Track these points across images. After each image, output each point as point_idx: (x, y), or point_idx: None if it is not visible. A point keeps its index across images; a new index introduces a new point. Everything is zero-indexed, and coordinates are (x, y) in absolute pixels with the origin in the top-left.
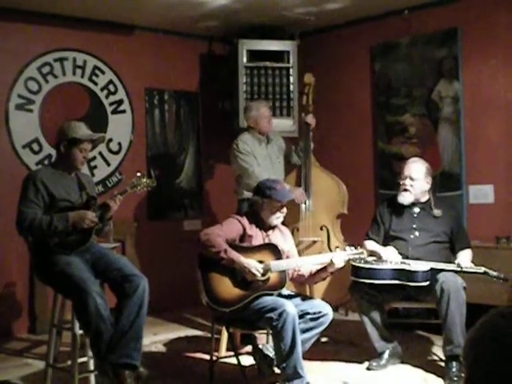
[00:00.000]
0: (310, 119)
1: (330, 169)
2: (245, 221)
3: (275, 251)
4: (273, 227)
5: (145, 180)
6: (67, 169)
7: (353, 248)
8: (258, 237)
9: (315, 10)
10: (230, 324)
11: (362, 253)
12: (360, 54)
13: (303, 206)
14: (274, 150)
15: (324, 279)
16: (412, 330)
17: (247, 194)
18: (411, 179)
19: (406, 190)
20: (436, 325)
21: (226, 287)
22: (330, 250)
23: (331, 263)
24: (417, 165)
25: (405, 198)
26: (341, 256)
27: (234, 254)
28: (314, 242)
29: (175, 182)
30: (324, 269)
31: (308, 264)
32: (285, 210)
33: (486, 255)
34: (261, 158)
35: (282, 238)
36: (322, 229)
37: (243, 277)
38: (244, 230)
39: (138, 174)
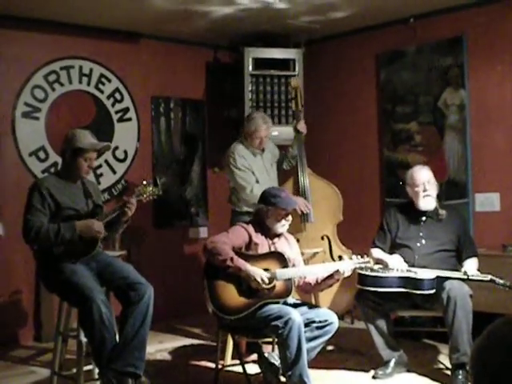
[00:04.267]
0: (302, 127)
1: (335, 176)
2: (250, 229)
3: (281, 259)
4: (278, 235)
5: (150, 188)
6: (72, 177)
7: (359, 257)
8: (263, 245)
9: (321, 19)
10: (235, 332)
11: (368, 262)
12: (366, 62)
13: (304, 216)
14: (267, 159)
15: (330, 286)
16: (418, 339)
17: (245, 208)
18: (428, 183)
19: (428, 195)
20: (442, 333)
21: (232, 295)
22: (333, 260)
23: (338, 272)
24: (427, 170)
25: (429, 204)
26: (348, 265)
27: (241, 262)
28: (316, 253)
29: (181, 189)
30: (330, 276)
31: (315, 273)
32: (290, 217)
33: (492, 263)
34: (258, 171)
35: (287, 245)
36: (323, 238)
37: (249, 285)
38: (250, 237)
39: (144, 183)
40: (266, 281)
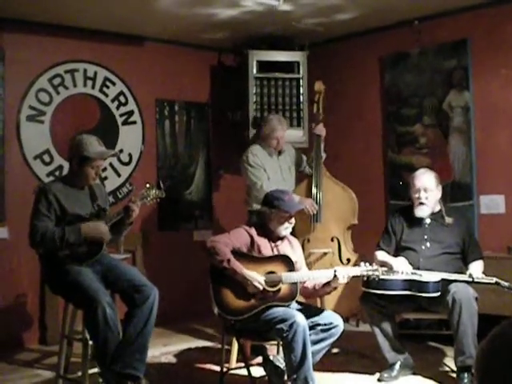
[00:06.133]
0: (320, 130)
1: (340, 179)
2: (253, 231)
3: (288, 263)
4: (281, 238)
5: (154, 191)
6: (79, 184)
7: (367, 264)
8: (266, 247)
9: (325, 21)
10: (240, 335)
11: (376, 270)
12: (370, 65)
13: (314, 217)
14: (285, 161)
15: (329, 293)
16: (423, 341)
17: (257, 206)
18: (425, 191)
19: (422, 203)
20: (447, 336)
21: (237, 297)
22: (342, 262)
23: (335, 278)
24: (427, 175)
25: (423, 212)
26: (343, 271)
27: (237, 265)
28: (325, 253)
29: (185, 192)
30: (328, 283)
31: (319, 277)
32: (293, 220)
33: (497, 266)
34: (271, 171)
35: (290, 248)
36: (332, 240)
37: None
38: (252, 240)
39: (147, 186)
40: (262, 286)
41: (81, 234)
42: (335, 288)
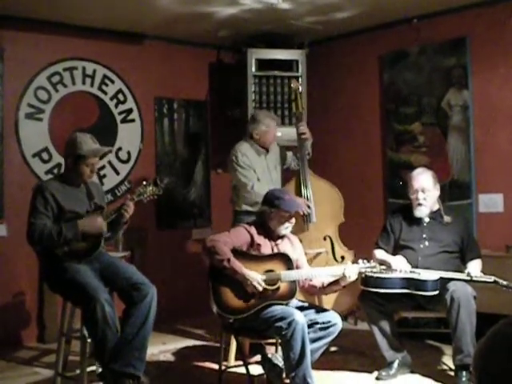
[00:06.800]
0: (302, 129)
1: (337, 177)
2: (253, 230)
3: (287, 261)
4: (281, 236)
5: (151, 188)
6: (75, 182)
7: (365, 261)
8: (266, 246)
9: (324, 19)
10: (239, 333)
11: (374, 267)
12: (369, 63)
13: (307, 217)
14: (271, 160)
15: (335, 292)
16: (422, 340)
17: (246, 207)
18: (423, 192)
19: (420, 204)
20: (446, 334)
21: (236, 295)
22: (336, 260)
23: (343, 276)
24: (424, 176)
25: (422, 212)
26: (353, 269)
27: (237, 265)
28: (319, 253)
29: (184, 190)
30: (336, 282)
31: (320, 275)
32: (293, 219)
33: (496, 264)
34: (260, 170)
35: (290, 247)
36: (325, 239)
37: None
38: (252, 238)
39: (144, 183)
40: (261, 286)
41: (78, 230)
42: (344, 287)
